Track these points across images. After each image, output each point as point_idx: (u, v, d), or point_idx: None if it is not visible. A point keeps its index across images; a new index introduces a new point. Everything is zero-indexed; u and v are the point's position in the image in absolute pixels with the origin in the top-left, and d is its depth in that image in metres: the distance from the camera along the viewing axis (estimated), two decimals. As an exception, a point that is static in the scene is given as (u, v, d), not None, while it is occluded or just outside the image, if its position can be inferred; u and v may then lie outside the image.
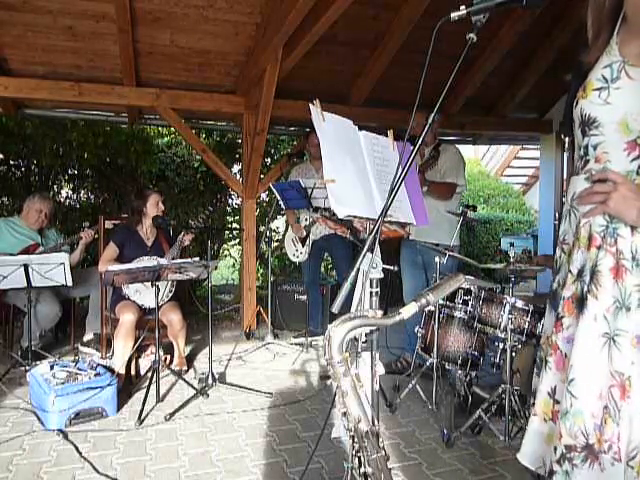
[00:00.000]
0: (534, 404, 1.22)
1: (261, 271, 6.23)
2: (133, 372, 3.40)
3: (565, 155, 5.69)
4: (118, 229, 3.69)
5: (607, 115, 1.07)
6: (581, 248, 1.11)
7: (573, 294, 1.12)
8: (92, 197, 5.66)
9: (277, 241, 6.38)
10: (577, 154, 1.18)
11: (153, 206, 3.56)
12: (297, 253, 4.39)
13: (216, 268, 3.91)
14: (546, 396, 1.15)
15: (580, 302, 1.09)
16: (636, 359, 1.00)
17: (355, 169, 1.45)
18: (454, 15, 1.09)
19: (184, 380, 3.13)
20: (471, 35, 1.09)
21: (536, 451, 1.17)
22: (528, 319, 2.61)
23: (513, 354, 2.55)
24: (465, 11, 1.10)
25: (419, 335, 3.10)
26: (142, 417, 2.71)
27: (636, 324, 1.01)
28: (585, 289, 1.08)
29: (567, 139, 1.21)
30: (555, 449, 1.07)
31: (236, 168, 6.11)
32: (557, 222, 5.74)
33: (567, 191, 1.20)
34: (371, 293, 1.38)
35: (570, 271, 1.13)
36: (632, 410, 1.00)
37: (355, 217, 1.42)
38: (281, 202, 4.03)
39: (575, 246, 1.13)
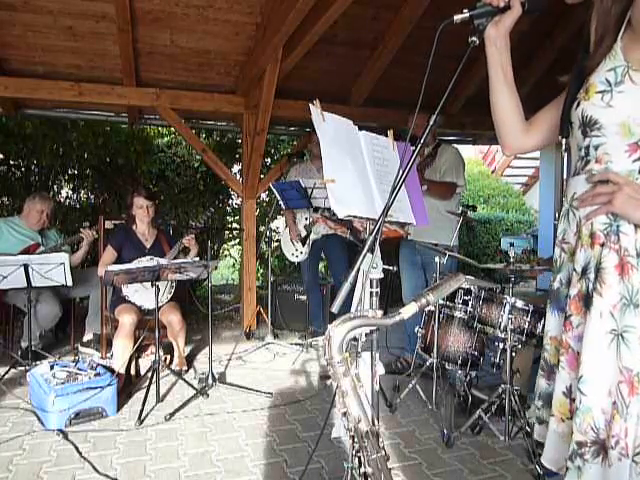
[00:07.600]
0: (550, 405, 1.21)
1: (261, 271, 6.23)
2: (133, 372, 3.40)
3: (564, 155, 5.68)
4: (116, 232, 3.67)
5: (609, 118, 1.07)
6: (584, 246, 1.12)
7: (579, 292, 1.13)
8: (92, 197, 5.65)
9: (277, 241, 6.36)
10: (577, 154, 1.18)
11: (139, 208, 3.50)
12: (297, 253, 4.35)
13: (216, 268, 3.91)
14: (561, 396, 1.15)
15: (586, 300, 1.10)
16: None
17: (355, 169, 1.45)
18: (457, 18, 1.09)
19: (184, 380, 3.13)
20: (473, 39, 1.09)
21: (558, 452, 1.17)
22: (528, 319, 2.61)
23: (513, 354, 2.55)
24: (468, 14, 1.10)
25: (419, 335, 3.10)
26: (142, 417, 2.72)
27: None
28: (590, 287, 1.09)
29: (564, 140, 1.20)
30: (568, 446, 1.09)
31: (236, 168, 6.10)
32: (557, 222, 5.73)
33: (566, 191, 1.20)
34: (371, 293, 1.38)
35: (575, 269, 1.14)
36: None
37: (355, 217, 1.42)
38: (281, 202, 4.03)
39: (578, 245, 1.14)
